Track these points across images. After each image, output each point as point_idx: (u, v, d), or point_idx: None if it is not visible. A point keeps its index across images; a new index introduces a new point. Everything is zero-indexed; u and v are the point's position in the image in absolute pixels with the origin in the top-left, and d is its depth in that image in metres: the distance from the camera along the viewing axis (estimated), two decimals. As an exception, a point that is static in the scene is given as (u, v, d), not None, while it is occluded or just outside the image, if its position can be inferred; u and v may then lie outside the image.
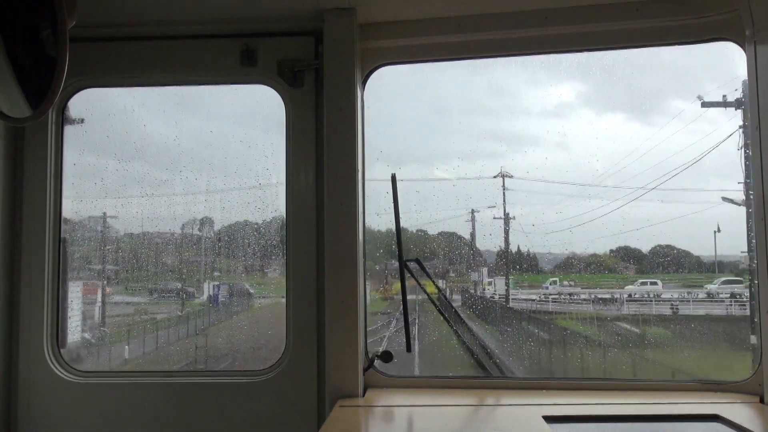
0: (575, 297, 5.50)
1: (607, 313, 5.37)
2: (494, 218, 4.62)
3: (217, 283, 4.09)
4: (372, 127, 2.90)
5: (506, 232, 4.79)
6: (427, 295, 2.94)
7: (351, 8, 2.69)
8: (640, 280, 5.23)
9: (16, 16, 2.03)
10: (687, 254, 4.78)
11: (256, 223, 3.39)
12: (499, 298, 5.36)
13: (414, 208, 3.57)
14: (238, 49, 2.86)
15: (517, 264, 5.13)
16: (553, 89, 3.76)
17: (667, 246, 4.56)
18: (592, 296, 5.46)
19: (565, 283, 5.40)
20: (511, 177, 4.44)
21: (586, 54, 2.93)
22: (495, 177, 4.41)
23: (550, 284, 5.44)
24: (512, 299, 5.43)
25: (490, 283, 5.26)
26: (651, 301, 5.36)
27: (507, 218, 4.70)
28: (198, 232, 3.77)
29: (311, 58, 2.84)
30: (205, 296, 4.19)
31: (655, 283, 5.30)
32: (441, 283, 4.53)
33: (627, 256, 5.05)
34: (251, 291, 4.01)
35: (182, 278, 3.99)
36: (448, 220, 4.29)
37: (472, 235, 4.75)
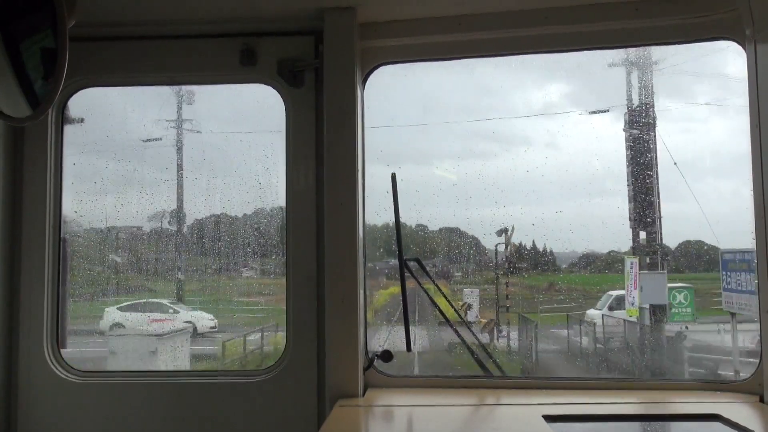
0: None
1: None
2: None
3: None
4: (372, 127, 2.90)
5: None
6: (427, 294, 2.93)
7: (351, 8, 2.68)
8: None
9: (16, 15, 2.03)
10: (715, 250, 4.00)
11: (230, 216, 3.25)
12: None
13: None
14: (238, 49, 2.86)
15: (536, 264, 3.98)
16: (552, 88, 3.76)
17: (697, 242, 3.88)
18: None
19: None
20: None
21: (585, 53, 2.93)
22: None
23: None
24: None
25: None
26: None
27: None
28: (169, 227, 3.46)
29: (311, 57, 2.83)
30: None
31: None
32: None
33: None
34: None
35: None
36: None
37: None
